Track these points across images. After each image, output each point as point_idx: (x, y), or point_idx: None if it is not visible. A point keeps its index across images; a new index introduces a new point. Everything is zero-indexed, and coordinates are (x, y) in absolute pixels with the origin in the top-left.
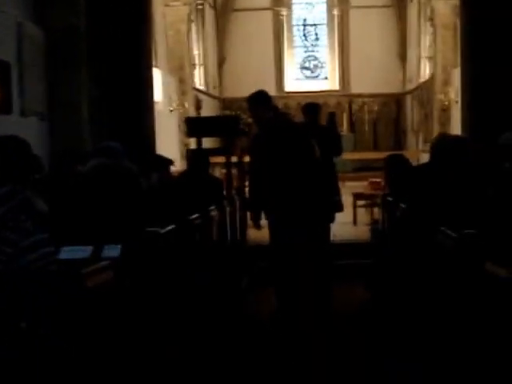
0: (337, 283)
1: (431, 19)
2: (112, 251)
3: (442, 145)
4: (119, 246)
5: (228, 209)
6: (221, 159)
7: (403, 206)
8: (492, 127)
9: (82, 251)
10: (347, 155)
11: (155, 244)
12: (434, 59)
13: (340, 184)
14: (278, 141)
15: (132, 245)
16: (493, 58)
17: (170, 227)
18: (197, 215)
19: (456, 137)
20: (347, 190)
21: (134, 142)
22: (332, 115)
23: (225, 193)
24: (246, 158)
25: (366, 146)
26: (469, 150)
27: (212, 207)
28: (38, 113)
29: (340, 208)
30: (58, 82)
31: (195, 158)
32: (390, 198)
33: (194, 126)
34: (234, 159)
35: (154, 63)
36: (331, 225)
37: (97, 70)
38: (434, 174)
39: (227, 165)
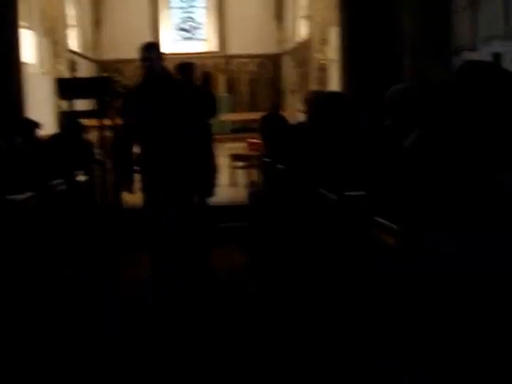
0: (214, 246)
1: None
2: None
3: (317, 100)
4: None
5: (97, 173)
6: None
7: (280, 166)
8: (370, 86)
9: None
10: (225, 116)
11: (12, 213)
12: (310, 18)
13: (218, 145)
14: (152, 96)
15: None
16: (369, 15)
17: (28, 194)
18: (60, 181)
19: (331, 92)
20: (226, 152)
21: None
22: (207, 75)
23: (98, 157)
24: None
25: (245, 107)
26: (347, 105)
27: (79, 172)
28: None
29: (215, 170)
30: None
31: (65, 120)
32: (266, 159)
33: (65, 87)
34: (109, 122)
35: (26, 25)
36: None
37: None
38: (311, 131)
39: (100, 127)
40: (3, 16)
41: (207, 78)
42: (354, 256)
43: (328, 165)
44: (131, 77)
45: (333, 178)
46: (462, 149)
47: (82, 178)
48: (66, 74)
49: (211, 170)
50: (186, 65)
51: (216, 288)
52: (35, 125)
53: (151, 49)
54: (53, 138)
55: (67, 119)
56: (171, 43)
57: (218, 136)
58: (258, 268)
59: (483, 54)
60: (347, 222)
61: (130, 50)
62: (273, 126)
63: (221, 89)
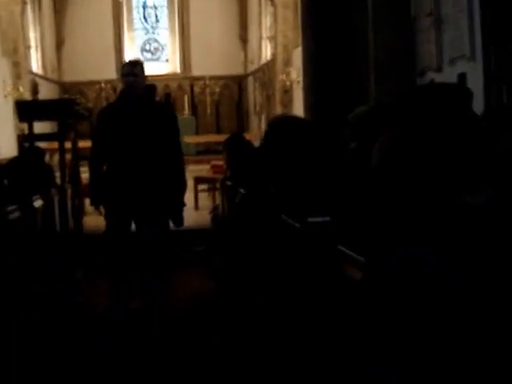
0: (178, 273)
1: None
2: None
3: (271, 124)
4: None
5: (57, 197)
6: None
7: (242, 190)
8: (333, 108)
9: None
10: (189, 139)
11: None
12: (274, 39)
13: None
14: (130, 116)
15: None
16: (333, 35)
17: None
18: (14, 207)
19: (285, 116)
20: (190, 174)
21: None
22: (168, 96)
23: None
24: (82, 143)
25: (209, 129)
26: (303, 126)
27: (35, 197)
28: None
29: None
30: None
31: (23, 144)
32: (228, 182)
33: (24, 109)
34: (69, 145)
35: None
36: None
37: None
38: (267, 155)
39: (61, 150)
40: None
41: (168, 99)
42: (318, 288)
43: (290, 188)
44: (94, 99)
45: (296, 203)
46: (426, 166)
47: (38, 203)
48: (28, 96)
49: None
50: (148, 86)
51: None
52: None
53: (137, 65)
54: (10, 162)
55: (27, 143)
56: None
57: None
58: (223, 295)
59: (448, 75)
60: (310, 252)
61: (93, 72)
62: (235, 149)
63: (184, 111)
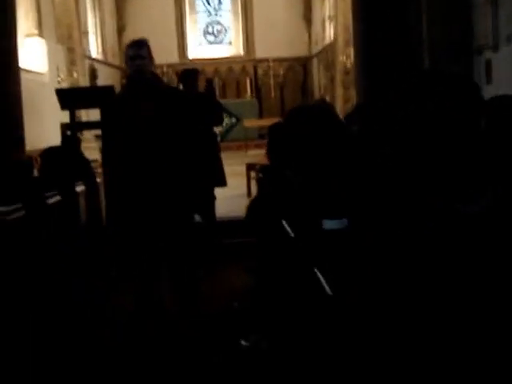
0: (224, 265)
1: None
2: None
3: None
4: None
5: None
6: None
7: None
8: (387, 90)
9: None
10: (251, 122)
11: None
12: (335, 19)
13: (239, 153)
14: (141, 109)
15: None
16: (385, 15)
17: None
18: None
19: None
20: (248, 160)
21: None
22: (209, 82)
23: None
24: None
25: (273, 112)
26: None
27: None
28: None
29: (222, 182)
30: None
31: (63, 133)
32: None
33: (65, 97)
34: None
35: (38, 32)
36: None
37: None
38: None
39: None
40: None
41: (210, 84)
42: None
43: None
44: None
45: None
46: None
47: (79, 188)
48: (84, 82)
49: (217, 182)
50: (188, 71)
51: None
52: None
53: (142, 46)
54: (45, 151)
55: (68, 131)
56: (197, 48)
57: (239, 143)
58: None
59: (504, 53)
60: None
61: (156, 56)
62: (277, 138)
63: (247, 94)
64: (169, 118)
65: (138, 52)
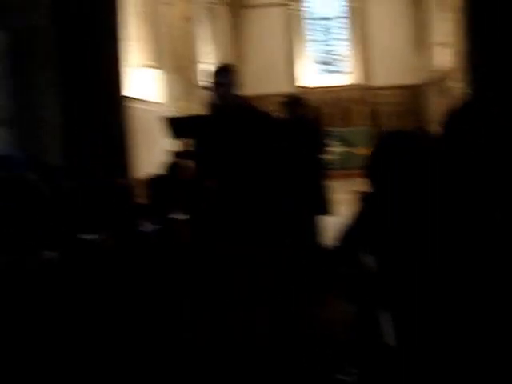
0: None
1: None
2: None
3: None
4: None
5: None
6: None
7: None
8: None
9: None
10: (360, 150)
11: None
12: (449, 46)
13: (346, 181)
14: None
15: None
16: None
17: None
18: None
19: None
20: (356, 187)
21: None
22: (314, 110)
23: None
24: None
25: None
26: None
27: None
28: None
29: (323, 211)
30: (22, 85)
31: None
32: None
33: (175, 126)
34: None
35: (156, 64)
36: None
37: (63, 72)
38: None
39: None
40: (109, 55)
41: (315, 112)
42: None
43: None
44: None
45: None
46: None
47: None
48: (199, 111)
49: (318, 210)
50: (291, 99)
51: None
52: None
53: (225, 73)
54: (151, 179)
55: (172, 160)
56: (311, 76)
57: (344, 171)
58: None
59: None
60: None
61: (272, 85)
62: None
63: (361, 121)
64: (248, 142)
65: (220, 79)
